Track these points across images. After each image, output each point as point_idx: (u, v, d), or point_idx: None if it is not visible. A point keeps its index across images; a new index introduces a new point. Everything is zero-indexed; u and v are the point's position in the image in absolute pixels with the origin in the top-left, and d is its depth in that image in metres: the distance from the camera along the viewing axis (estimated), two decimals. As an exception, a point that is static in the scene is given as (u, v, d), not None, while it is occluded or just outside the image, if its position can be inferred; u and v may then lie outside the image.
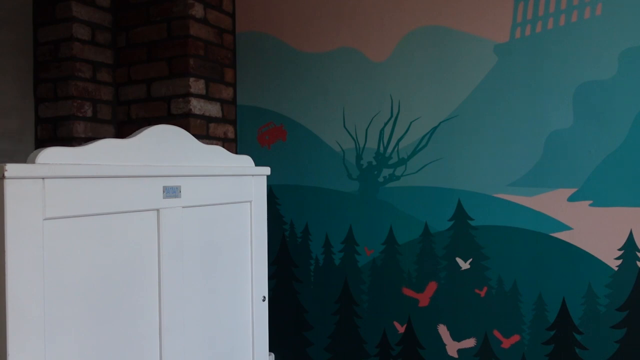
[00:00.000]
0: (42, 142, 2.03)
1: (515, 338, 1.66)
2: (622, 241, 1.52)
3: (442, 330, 1.77)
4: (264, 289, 1.27)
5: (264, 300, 1.27)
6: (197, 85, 1.96)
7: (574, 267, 1.57)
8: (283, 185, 2.02)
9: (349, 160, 1.90)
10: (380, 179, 1.85)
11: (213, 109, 2.04)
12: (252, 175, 1.24)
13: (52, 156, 0.78)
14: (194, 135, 1.09)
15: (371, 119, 1.85)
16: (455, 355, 1.75)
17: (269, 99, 2.06)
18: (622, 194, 1.51)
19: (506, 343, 1.68)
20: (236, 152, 2.13)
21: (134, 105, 2.07)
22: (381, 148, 1.84)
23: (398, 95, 1.81)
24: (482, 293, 1.70)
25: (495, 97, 1.66)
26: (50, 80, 2.02)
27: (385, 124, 1.83)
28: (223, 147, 1.18)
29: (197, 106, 1.96)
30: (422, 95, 1.77)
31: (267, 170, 1.28)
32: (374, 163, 1.86)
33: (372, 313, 1.88)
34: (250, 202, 1.23)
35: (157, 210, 0.96)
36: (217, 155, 1.15)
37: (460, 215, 1.72)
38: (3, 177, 0.70)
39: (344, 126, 1.91)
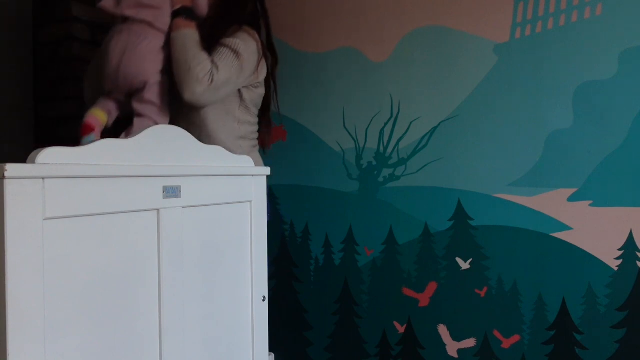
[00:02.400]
0: (42, 142, 2.03)
1: (515, 338, 1.66)
2: (622, 241, 1.52)
3: (442, 330, 1.77)
4: (264, 289, 1.27)
5: (264, 300, 1.27)
6: (197, 85, 1.96)
7: (574, 267, 1.57)
8: (283, 185, 2.02)
9: (349, 160, 1.90)
10: (380, 179, 1.85)
11: (213, 109, 2.04)
12: (252, 176, 1.24)
13: (52, 156, 0.78)
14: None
15: (371, 119, 1.85)
16: (455, 355, 1.75)
17: (269, 99, 2.05)
18: (622, 194, 1.51)
19: (506, 343, 1.68)
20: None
21: (134, 105, 2.07)
22: (381, 148, 1.84)
23: (398, 95, 1.81)
24: (482, 293, 1.70)
25: (495, 97, 1.66)
26: (50, 80, 2.02)
27: (385, 124, 1.83)
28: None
29: (197, 106, 1.96)
30: (422, 95, 1.77)
31: (267, 171, 1.28)
32: (374, 163, 1.86)
33: (372, 313, 1.88)
34: (250, 202, 1.23)
35: (157, 210, 0.96)
36: (217, 155, 1.15)
37: (460, 215, 1.72)
38: (3, 177, 0.70)
39: (344, 126, 1.90)
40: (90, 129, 1.30)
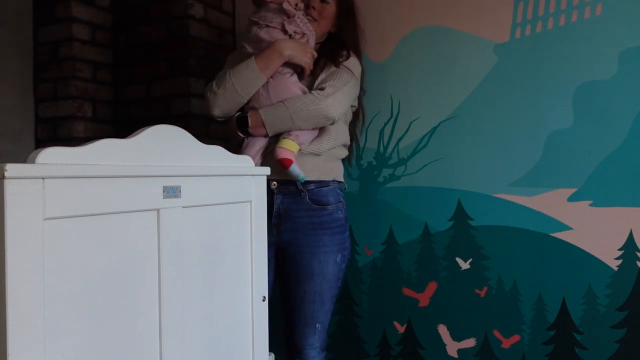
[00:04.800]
0: (42, 142, 2.03)
1: (515, 338, 1.66)
2: (622, 241, 1.52)
3: (442, 330, 1.77)
4: (264, 289, 1.27)
5: (264, 300, 1.27)
6: (197, 85, 1.96)
7: (574, 267, 1.57)
8: (283, 185, 2.02)
9: (349, 160, 1.90)
10: (380, 179, 1.85)
11: (213, 109, 2.04)
12: (252, 175, 1.24)
13: (52, 156, 0.78)
14: (194, 135, 1.09)
15: (371, 119, 1.85)
16: (455, 355, 1.75)
17: (269, 99, 2.05)
18: (622, 194, 1.51)
19: (506, 343, 1.68)
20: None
21: (134, 105, 2.07)
22: (381, 148, 1.84)
23: (398, 95, 1.81)
24: (482, 293, 1.70)
25: (495, 97, 1.66)
26: (50, 80, 2.02)
27: (385, 124, 1.83)
28: (223, 147, 1.18)
29: (197, 106, 1.96)
30: (422, 95, 1.77)
31: (267, 171, 1.28)
32: (374, 163, 1.86)
33: (372, 313, 1.88)
34: (250, 202, 1.23)
35: (157, 210, 0.96)
36: (217, 155, 1.15)
37: (460, 215, 1.72)
38: (3, 177, 0.70)
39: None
40: (289, 163, 1.39)
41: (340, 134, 1.55)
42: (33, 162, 0.76)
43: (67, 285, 0.80)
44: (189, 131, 1.07)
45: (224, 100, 1.42)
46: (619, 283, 1.52)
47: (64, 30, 1.97)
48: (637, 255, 1.50)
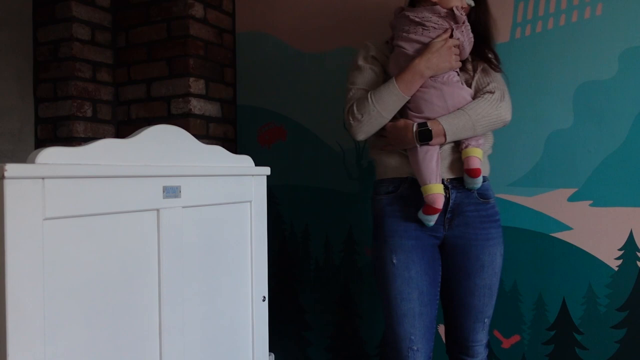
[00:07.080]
0: (42, 142, 2.03)
1: (516, 338, 1.66)
2: (622, 241, 1.52)
3: (443, 330, 1.77)
4: (264, 289, 1.28)
5: (264, 300, 1.28)
6: (197, 85, 1.97)
7: (574, 267, 1.57)
8: (283, 185, 2.02)
9: (349, 160, 1.90)
10: (380, 179, 1.84)
11: (213, 109, 2.04)
12: (252, 175, 1.24)
13: (52, 156, 0.78)
14: (194, 135, 1.09)
15: (371, 119, 1.85)
16: (455, 355, 1.75)
17: (269, 99, 2.06)
18: (622, 194, 1.51)
19: (506, 343, 1.68)
20: (236, 152, 2.12)
21: (134, 105, 2.07)
22: (381, 148, 1.84)
23: (398, 95, 1.80)
24: (482, 293, 1.70)
25: (495, 97, 1.66)
26: (50, 80, 2.02)
27: (385, 124, 1.83)
28: (223, 147, 1.18)
29: (197, 106, 1.96)
30: (422, 95, 1.77)
31: (267, 171, 1.28)
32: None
33: (372, 313, 1.88)
34: (250, 202, 1.23)
35: (157, 210, 0.96)
36: (217, 155, 1.15)
37: (460, 215, 1.72)
38: (3, 177, 0.70)
39: (344, 126, 1.90)
40: (480, 172, 1.36)
41: (492, 133, 1.54)
42: (33, 162, 0.76)
43: (67, 286, 0.80)
44: (189, 131, 1.07)
45: (369, 126, 1.39)
46: (619, 283, 1.52)
47: (64, 30, 1.97)
48: (637, 255, 1.50)
